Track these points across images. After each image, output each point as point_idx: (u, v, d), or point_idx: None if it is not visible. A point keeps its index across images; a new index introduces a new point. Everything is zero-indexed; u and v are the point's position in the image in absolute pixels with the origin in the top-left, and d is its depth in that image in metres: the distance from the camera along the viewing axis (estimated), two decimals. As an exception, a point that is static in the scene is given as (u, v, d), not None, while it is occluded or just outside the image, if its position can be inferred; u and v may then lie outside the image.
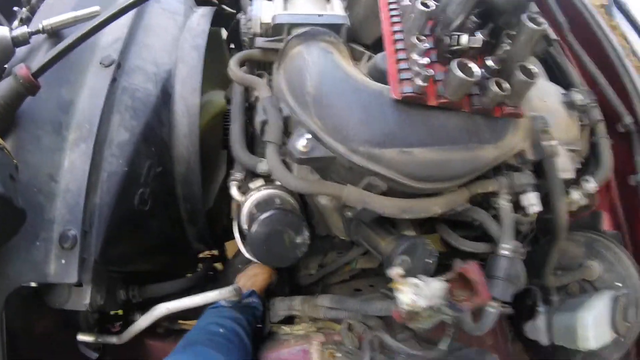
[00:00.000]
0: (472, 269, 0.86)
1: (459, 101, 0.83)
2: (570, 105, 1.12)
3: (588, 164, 1.23)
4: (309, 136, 0.79)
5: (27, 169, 0.88)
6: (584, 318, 1.12)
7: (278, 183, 1.03)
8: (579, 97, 1.12)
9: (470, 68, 0.79)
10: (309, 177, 0.92)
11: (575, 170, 1.10)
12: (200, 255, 1.41)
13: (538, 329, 1.21)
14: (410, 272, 0.84)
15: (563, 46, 1.37)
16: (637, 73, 1.29)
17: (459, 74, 0.76)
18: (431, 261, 0.87)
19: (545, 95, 1.07)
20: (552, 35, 1.29)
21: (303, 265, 1.25)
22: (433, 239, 1.22)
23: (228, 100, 1.15)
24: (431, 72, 0.77)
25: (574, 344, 1.13)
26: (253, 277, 1.19)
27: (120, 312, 1.25)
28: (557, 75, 1.29)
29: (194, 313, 1.29)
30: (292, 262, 0.94)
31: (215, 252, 1.48)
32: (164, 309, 0.95)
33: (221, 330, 0.92)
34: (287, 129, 0.87)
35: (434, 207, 0.89)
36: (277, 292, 1.28)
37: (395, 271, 0.84)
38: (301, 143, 0.78)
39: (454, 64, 0.77)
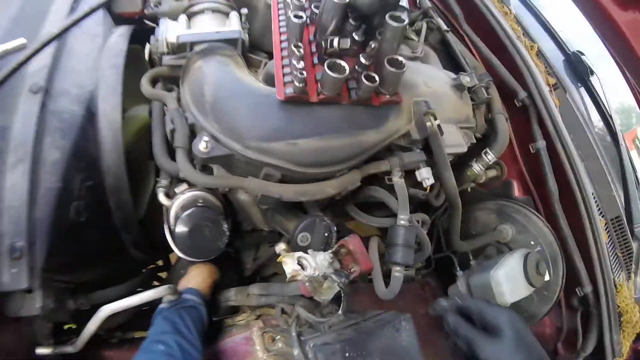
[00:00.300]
0: (351, 241, 1.13)
1: (338, 96, 1.04)
2: (459, 87, 1.36)
3: (489, 138, 1.46)
4: (207, 138, 1.02)
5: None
6: (497, 274, 1.38)
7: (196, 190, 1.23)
8: (466, 79, 1.38)
9: (341, 66, 1.00)
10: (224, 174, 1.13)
11: (467, 144, 1.33)
12: (147, 268, 1.59)
13: (459, 291, 1.43)
14: (311, 246, 1.06)
15: (461, 35, 1.61)
16: (529, 52, 1.54)
17: (330, 73, 0.99)
18: (328, 234, 1.08)
19: (432, 81, 1.33)
20: (444, 26, 1.54)
21: (240, 260, 1.45)
22: (355, 225, 1.43)
23: (151, 114, 1.35)
24: (304, 74, 1.00)
25: (493, 300, 1.36)
26: (193, 278, 1.34)
27: (73, 326, 1.43)
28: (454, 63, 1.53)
29: (144, 322, 1.49)
30: (217, 253, 1.16)
31: (159, 262, 1.67)
32: (107, 309, 1.14)
33: (161, 347, 1.04)
34: (194, 135, 1.07)
35: (327, 188, 1.12)
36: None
37: (279, 246, 1.07)
38: (202, 145, 1.00)
39: (325, 65, 0.99)
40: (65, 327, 1.47)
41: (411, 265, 1.22)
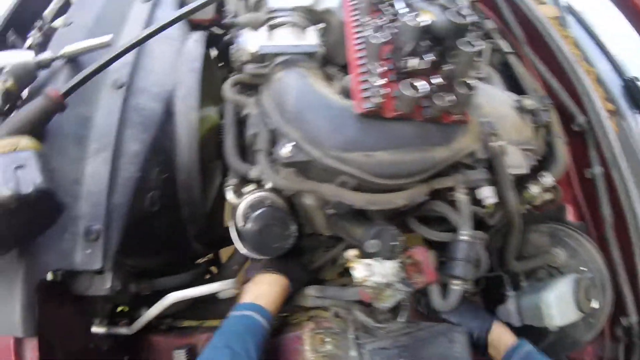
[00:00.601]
0: (418, 252, 1.23)
1: (412, 112, 1.19)
2: (521, 109, 1.49)
3: (547, 161, 1.59)
4: (292, 144, 1.14)
5: (55, 175, 1.22)
6: (548, 297, 1.47)
7: (268, 187, 1.38)
8: (529, 102, 1.49)
9: (416, 86, 1.15)
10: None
11: (529, 166, 1.46)
12: (198, 261, 1.75)
13: (509, 311, 1.56)
14: (379, 254, 1.19)
15: (521, 57, 1.74)
16: (588, 77, 1.67)
17: (407, 91, 1.12)
18: (396, 243, 1.22)
19: (496, 103, 1.44)
20: (507, 48, 1.68)
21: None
22: (414, 238, 1.58)
23: (221, 115, 1.51)
24: (385, 91, 1.13)
25: (542, 322, 1.47)
26: (265, 293, 1.31)
27: (125, 309, 1.59)
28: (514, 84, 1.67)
29: (194, 312, 1.64)
30: (283, 252, 1.28)
31: (210, 256, 1.83)
32: (173, 297, 1.29)
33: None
34: (274, 139, 1.23)
35: (396, 199, 1.25)
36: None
37: (350, 252, 1.20)
38: (286, 150, 1.14)
39: (403, 84, 1.13)
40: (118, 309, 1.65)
41: (469, 279, 1.36)
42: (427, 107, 1.22)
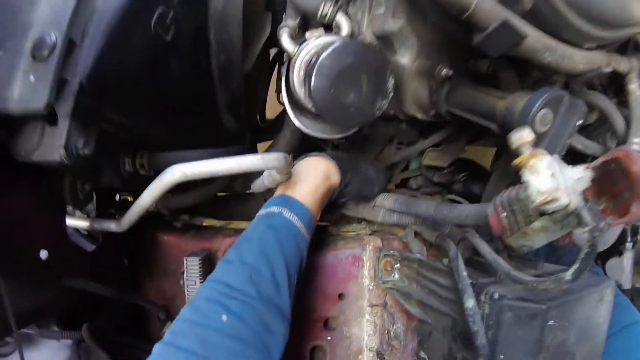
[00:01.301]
0: (635, 156, 0.45)
1: None
2: None
3: None
4: None
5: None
6: None
7: (344, 33, 0.67)
8: None
9: None
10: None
11: None
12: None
13: (622, 269, 0.89)
14: (553, 136, 0.49)
15: None
16: None
17: None
18: (579, 122, 0.51)
19: None
20: None
21: None
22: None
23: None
24: None
25: None
26: (305, 182, 0.64)
27: (130, 198, 0.92)
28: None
29: (219, 211, 0.97)
30: (365, 122, 0.58)
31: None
32: (177, 172, 0.58)
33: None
34: None
35: (577, 57, 0.54)
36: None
37: (522, 134, 0.46)
38: None
39: None
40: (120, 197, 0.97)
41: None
42: None
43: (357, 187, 0.70)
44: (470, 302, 0.54)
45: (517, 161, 0.45)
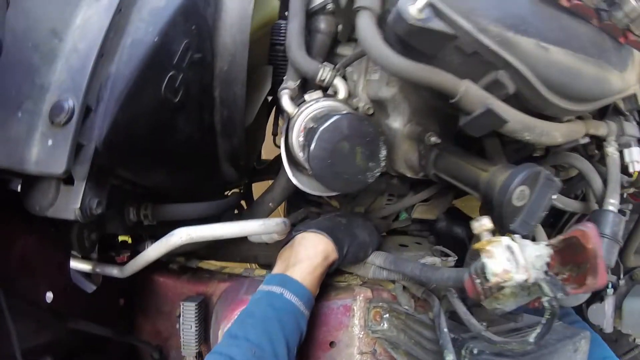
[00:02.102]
0: (591, 234, 0.49)
1: (588, 10, 0.52)
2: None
3: None
4: (426, 1, 0.47)
5: (25, 18, 0.56)
6: None
7: (341, 96, 0.71)
8: None
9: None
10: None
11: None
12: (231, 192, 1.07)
13: (604, 313, 0.92)
14: (530, 210, 0.53)
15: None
16: None
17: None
18: (554, 196, 0.56)
19: None
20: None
21: (346, 207, 0.93)
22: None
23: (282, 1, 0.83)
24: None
25: None
26: (304, 262, 0.67)
27: (129, 240, 0.94)
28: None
29: (216, 251, 0.99)
30: (358, 188, 0.62)
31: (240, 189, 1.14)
32: (184, 234, 0.62)
33: None
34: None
35: (555, 132, 0.58)
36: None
37: (482, 223, 0.53)
38: (416, 6, 0.46)
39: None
40: (120, 239, 0.99)
41: (610, 266, 0.72)
42: (606, 12, 0.55)
43: (353, 256, 0.74)
44: (449, 357, 0.57)
45: (476, 246, 0.51)
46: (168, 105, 0.64)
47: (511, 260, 0.50)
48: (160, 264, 0.95)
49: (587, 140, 0.68)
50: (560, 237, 0.51)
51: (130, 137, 0.59)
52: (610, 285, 0.91)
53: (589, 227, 0.50)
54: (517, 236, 0.52)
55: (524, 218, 0.54)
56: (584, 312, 0.96)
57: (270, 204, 0.89)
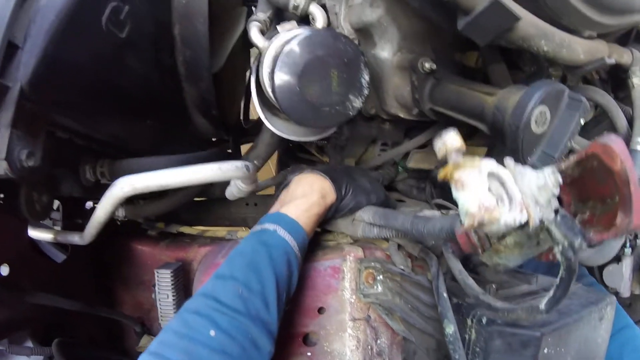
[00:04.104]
0: (617, 149, 0.34)
1: None
2: None
3: None
4: None
5: None
6: None
7: (318, 25, 0.59)
8: None
9: None
10: None
11: None
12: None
13: (621, 276, 0.81)
14: (552, 138, 0.41)
15: None
16: None
17: None
18: (582, 122, 0.43)
19: None
20: None
21: (335, 159, 0.81)
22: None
23: None
24: None
25: None
26: (299, 199, 0.61)
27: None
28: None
29: (200, 215, 0.90)
30: (337, 122, 0.51)
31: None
32: (126, 185, 0.51)
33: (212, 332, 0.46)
34: None
35: (576, 45, 0.46)
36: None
37: (448, 138, 0.36)
38: None
39: None
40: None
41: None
42: None
43: (354, 199, 0.65)
44: (450, 328, 0.47)
45: (441, 174, 0.36)
46: (112, 40, 0.53)
47: (501, 195, 0.35)
48: (139, 231, 0.87)
49: (612, 62, 0.55)
50: (573, 159, 0.37)
51: (64, 76, 0.49)
52: (628, 245, 0.80)
53: (613, 140, 0.34)
54: (510, 160, 0.36)
55: (545, 149, 0.42)
56: (596, 274, 0.86)
57: (254, 162, 0.79)
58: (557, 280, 0.37)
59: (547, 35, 0.42)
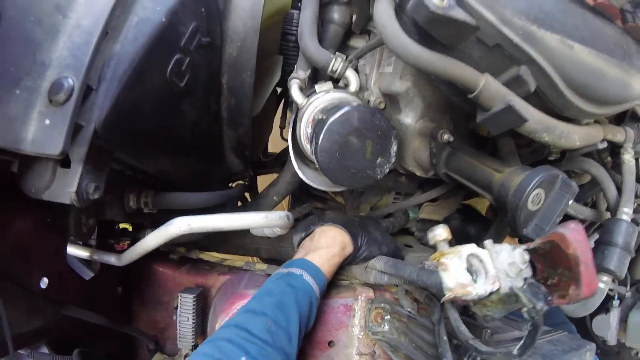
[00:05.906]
0: (570, 238, 0.43)
1: (613, 9, 0.49)
2: None
3: None
4: None
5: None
6: None
7: (352, 89, 0.68)
8: None
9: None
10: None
11: None
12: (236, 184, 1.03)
13: (609, 325, 0.88)
14: (544, 214, 0.50)
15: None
16: None
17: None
18: (570, 202, 0.52)
19: None
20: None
21: (351, 204, 0.89)
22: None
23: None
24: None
25: None
26: (322, 250, 0.69)
27: (129, 227, 0.91)
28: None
29: (218, 242, 0.96)
30: (366, 184, 0.59)
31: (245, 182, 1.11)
32: (183, 224, 0.59)
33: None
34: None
35: (574, 134, 0.55)
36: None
37: (437, 232, 0.51)
38: None
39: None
40: (121, 226, 0.96)
41: (620, 278, 0.68)
42: (631, 13, 0.52)
43: (367, 249, 0.73)
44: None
45: (432, 258, 0.49)
46: (173, 89, 0.61)
47: (479, 270, 0.47)
48: (161, 254, 0.93)
49: (604, 145, 0.64)
50: (537, 241, 0.46)
51: (131, 120, 0.56)
52: (616, 297, 0.88)
53: (569, 229, 0.43)
54: (489, 242, 0.47)
55: (538, 223, 0.50)
56: (587, 322, 0.93)
57: (274, 197, 0.87)
58: (526, 333, 0.48)
59: (550, 129, 0.51)
